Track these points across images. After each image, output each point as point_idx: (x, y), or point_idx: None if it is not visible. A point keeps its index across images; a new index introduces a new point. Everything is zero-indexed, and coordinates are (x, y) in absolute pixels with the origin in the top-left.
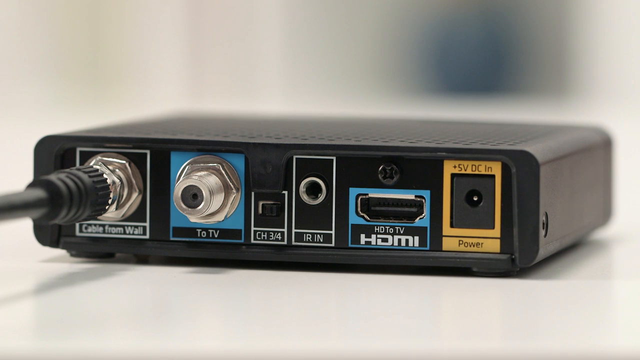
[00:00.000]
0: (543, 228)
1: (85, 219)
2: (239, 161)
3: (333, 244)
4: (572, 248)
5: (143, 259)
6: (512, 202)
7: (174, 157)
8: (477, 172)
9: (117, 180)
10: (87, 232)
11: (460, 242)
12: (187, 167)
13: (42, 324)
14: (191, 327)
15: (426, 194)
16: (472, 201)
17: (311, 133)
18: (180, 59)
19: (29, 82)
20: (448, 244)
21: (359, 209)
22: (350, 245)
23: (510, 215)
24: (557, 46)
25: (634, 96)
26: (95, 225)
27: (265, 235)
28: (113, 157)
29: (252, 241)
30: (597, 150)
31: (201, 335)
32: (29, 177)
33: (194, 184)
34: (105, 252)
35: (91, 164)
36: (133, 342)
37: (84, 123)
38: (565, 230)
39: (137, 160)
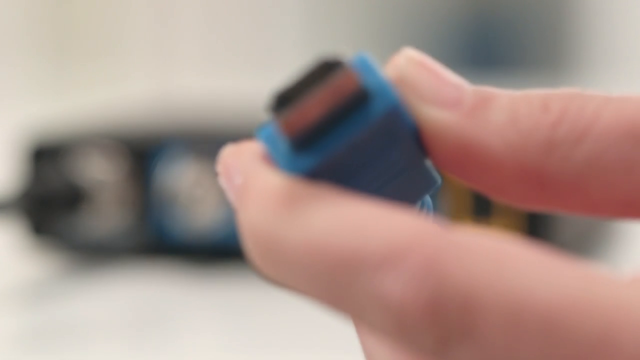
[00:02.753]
0: None
1: (75, 221)
2: None
3: None
4: (568, 250)
5: (140, 261)
6: None
7: (173, 158)
8: None
9: (108, 182)
10: (80, 235)
11: None
12: (186, 167)
13: (30, 334)
14: (190, 330)
15: None
16: None
17: None
18: (152, 31)
19: None
20: None
21: None
22: None
23: None
24: (552, 17)
25: (630, 68)
26: (89, 227)
27: None
28: (106, 158)
29: None
30: None
31: (200, 339)
32: None
33: (191, 183)
34: (100, 255)
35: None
36: (127, 351)
37: (54, 98)
38: None
39: (132, 162)
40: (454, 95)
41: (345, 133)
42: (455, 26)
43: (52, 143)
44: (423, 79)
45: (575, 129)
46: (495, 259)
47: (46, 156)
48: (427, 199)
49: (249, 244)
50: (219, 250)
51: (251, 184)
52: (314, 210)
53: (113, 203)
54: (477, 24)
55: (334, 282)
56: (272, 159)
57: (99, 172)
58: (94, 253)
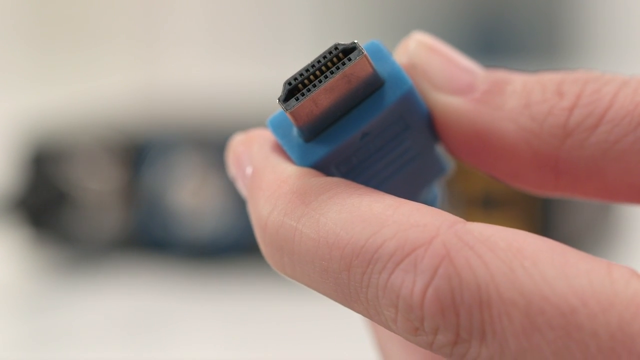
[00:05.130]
0: None
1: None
2: None
3: None
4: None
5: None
6: None
7: (169, 158)
8: None
9: (100, 183)
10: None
11: None
12: (186, 167)
13: (26, 338)
14: (185, 333)
15: None
16: None
17: None
18: (143, 19)
19: None
20: None
21: None
22: None
23: None
24: (557, 3)
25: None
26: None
27: None
28: (99, 160)
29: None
30: None
31: (195, 341)
32: None
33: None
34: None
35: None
36: (123, 353)
37: (42, 86)
38: None
39: (132, 160)
40: (466, 80)
41: (357, 120)
42: (461, 12)
43: (46, 144)
44: (434, 64)
45: (591, 115)
46: (512, 254)
47: (40, 158)
48: (437, 186)
49: (260, 236)
50: (214, 250)
51: (262, 174)
52: (327, 204)
53: (105, 203)
54: (483, 11)
55: (347, 278)
56: (283, 148)
57: (92, 173)
58: (87, 253)
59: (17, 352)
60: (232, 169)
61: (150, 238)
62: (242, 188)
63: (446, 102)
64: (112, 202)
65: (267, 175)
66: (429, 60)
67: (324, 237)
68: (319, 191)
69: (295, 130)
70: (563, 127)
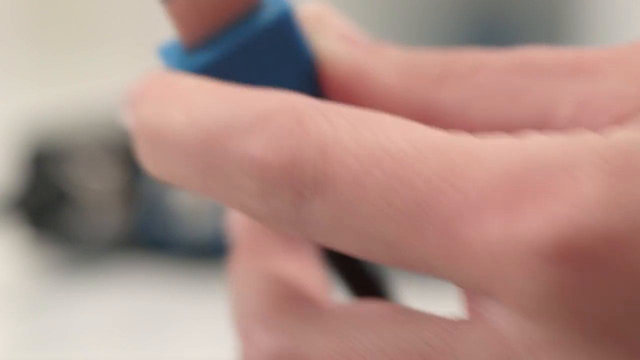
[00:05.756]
0: None
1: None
2: None
3: None
4: None
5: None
6: None
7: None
8: None
9: (101, 184)
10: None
11: None
12: None
13: (26, 338)
14: (188, 333)
15: None
16: None
17: None
18: (140, 18)
19: None
20: None
21: None
22: None
23: None
24: (555, 16)
25: None
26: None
27: None
28: (99, 160)
29: None
30: None
31: (198, 344)
32: None
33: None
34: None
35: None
36: (122, 354)
37: (42, 88)
38: None
39: (132, 160)
40: (356, 37)
41: (237, 37)
42: (461, 12)
43: (46, 144)
44: (332, 19)
45: (470, 64)
46: (361, 120)
47: (40, 158)
48: None
49: (140, 141)
50: (214, 250)
51: (144, 85)
52: (196, 95)
53: (105, 203)
54: (480, 20)
55: (208, 155)
56: (167, 66)
57: (92, 173)
58: (87, 253)
59: (17, 352)
60: (125, 106)
61: (150, 238)
62: (127, 110)
63: (333, 47)
64: (112, 202)
65: (147, 84)
66: (327, 14)
67: (191, 121)
68: (192, 87)
69: (180, 49)
70: (442, 74)
